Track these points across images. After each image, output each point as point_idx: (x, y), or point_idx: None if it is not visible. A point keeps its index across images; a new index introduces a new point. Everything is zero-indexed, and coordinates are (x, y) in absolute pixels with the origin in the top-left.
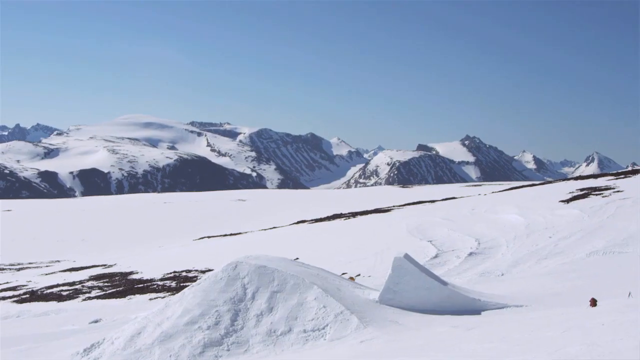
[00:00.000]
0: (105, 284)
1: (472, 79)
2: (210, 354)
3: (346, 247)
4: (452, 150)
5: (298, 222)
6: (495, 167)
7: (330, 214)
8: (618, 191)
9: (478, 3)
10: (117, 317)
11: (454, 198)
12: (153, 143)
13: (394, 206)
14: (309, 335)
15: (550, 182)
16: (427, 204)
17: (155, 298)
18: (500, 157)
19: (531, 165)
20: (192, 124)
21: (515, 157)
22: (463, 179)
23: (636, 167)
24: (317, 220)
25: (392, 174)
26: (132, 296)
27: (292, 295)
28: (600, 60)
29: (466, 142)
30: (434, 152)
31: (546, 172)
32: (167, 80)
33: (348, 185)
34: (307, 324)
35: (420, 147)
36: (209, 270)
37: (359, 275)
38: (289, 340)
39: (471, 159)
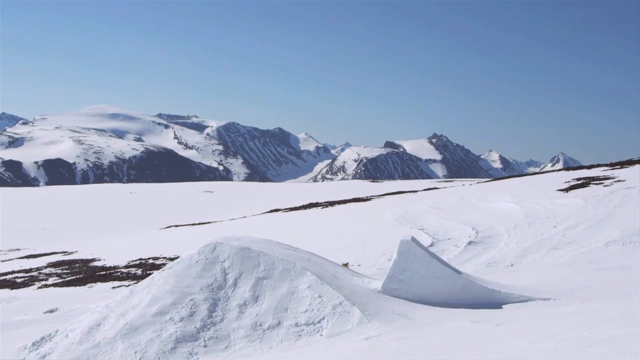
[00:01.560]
0: (64, 271)
1: (441, 78)
2: (184, 351)
3: (329, 235)
4: (420, 148)
5: (271, 211)
6: (462, 165)
7: (304, 203)
8: (619, 181)
9: (452, 2)
10: (75, 306)
11: (435, 188)
12: (119, 134)
13: (372, 196)
14: (302, 330)
15: (542, 172)
16: (409, 193)
17: (118, 286)
18: (467, 155)
19: (497, 165)
20: (160, 116)
21: (481, 156)
22: (429, 176)
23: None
24: (292, 209)
25: (359, 170)
26: (93, 284)
27: (282, 283)
28: (568, 62)
29: (433, 140)
30: (401, 150)
31: (512, 172)
32: (135, 72)
33: (315, 181)
34: (299, 317)
35: (388, 144)
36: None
37: (347, 264)
38: (277, 336)
39: (438, 157)
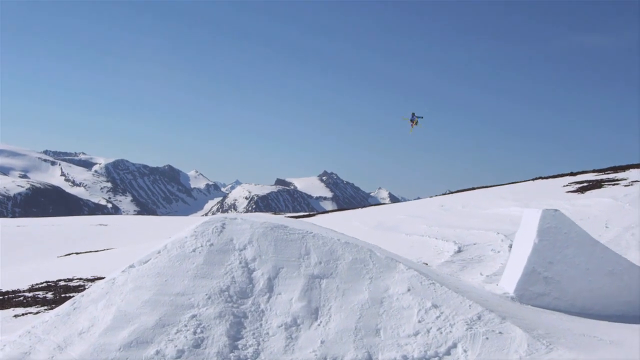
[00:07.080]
0: None
1: (331, 116)
2: None
3: None
4: (310, 185)
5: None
6: (352, 202)
7: None
8: (636, 181)
9: (338, 37)
10: None
11: (384, 203)
12: (4, 171)
13: (311, 213)
14: None
15: (514, 182)
16: (358, 209)
17: (24, 314)
18: (357, 193)
19: (387, 202)
20: (46, 152)
21: (371, 194)
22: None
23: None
24: None
25: (250, 208)
26: None
27: (357, 284)
28: (444, 107)
29: (324, 178)
30: (292, 187)
31: None
32: (21, 107)
33: None
34: (407, 344)
35: (279, 182)
36: (100, 278)
37: None
38: None
39: (329, 194)
